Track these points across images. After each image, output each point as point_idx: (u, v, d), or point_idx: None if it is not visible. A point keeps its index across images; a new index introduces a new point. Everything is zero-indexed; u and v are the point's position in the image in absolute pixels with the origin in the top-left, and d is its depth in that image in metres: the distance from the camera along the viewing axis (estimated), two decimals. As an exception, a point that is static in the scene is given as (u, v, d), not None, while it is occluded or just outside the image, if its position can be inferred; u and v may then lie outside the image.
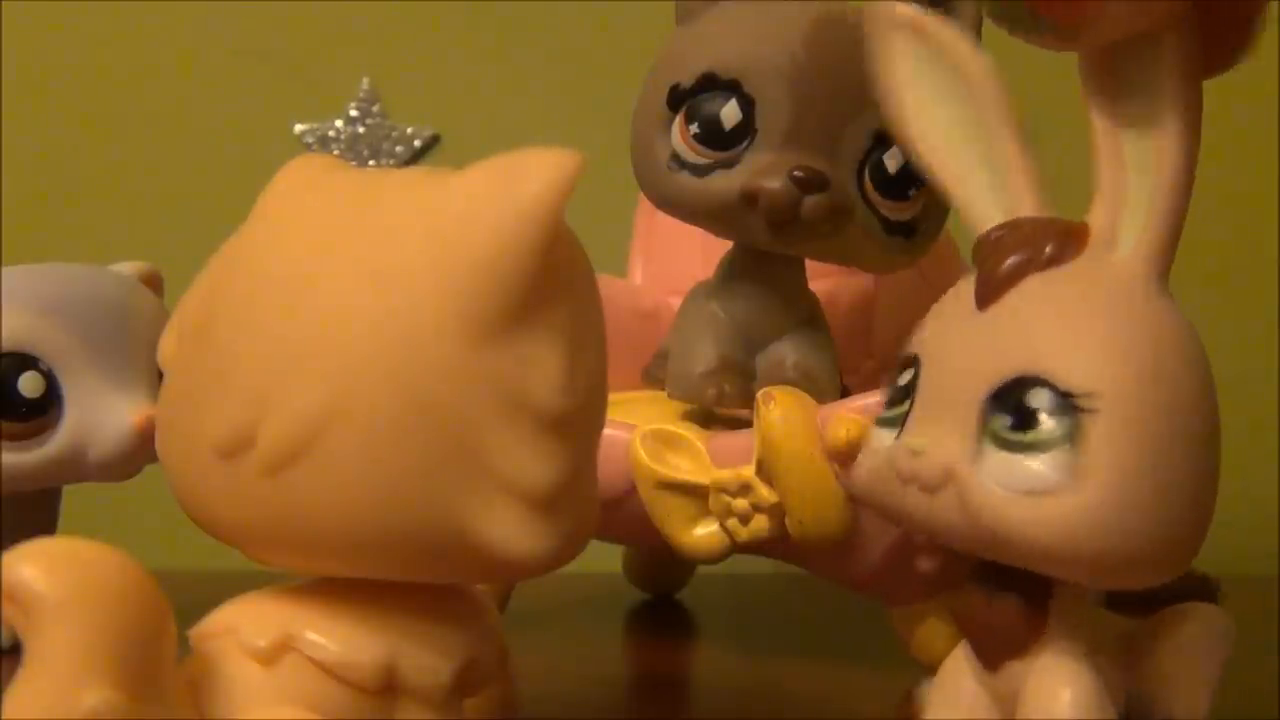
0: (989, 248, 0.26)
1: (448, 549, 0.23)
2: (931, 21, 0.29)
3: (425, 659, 0.24)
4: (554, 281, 0.23)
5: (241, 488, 0.23)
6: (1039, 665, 0.25)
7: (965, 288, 0.26)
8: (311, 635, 0.24)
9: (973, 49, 0.28)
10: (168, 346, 0.25)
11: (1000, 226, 0.26)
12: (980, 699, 0.26)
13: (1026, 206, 0.27)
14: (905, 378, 0.27)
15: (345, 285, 0.22)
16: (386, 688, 0.24)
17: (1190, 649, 0.26)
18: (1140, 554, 0.23)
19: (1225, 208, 0.62)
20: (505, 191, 0.23)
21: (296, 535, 0.23)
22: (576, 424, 0.23)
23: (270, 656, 0.23)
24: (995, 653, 0.26)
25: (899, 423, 0.26)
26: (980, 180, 0.28)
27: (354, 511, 0.22)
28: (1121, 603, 0.27)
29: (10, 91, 0.63)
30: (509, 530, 0.23)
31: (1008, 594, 0.25)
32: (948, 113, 0.28)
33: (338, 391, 0.22)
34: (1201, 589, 0.32)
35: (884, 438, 0.27)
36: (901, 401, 0.27)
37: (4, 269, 0.34)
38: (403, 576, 0.24)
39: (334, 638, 0.24)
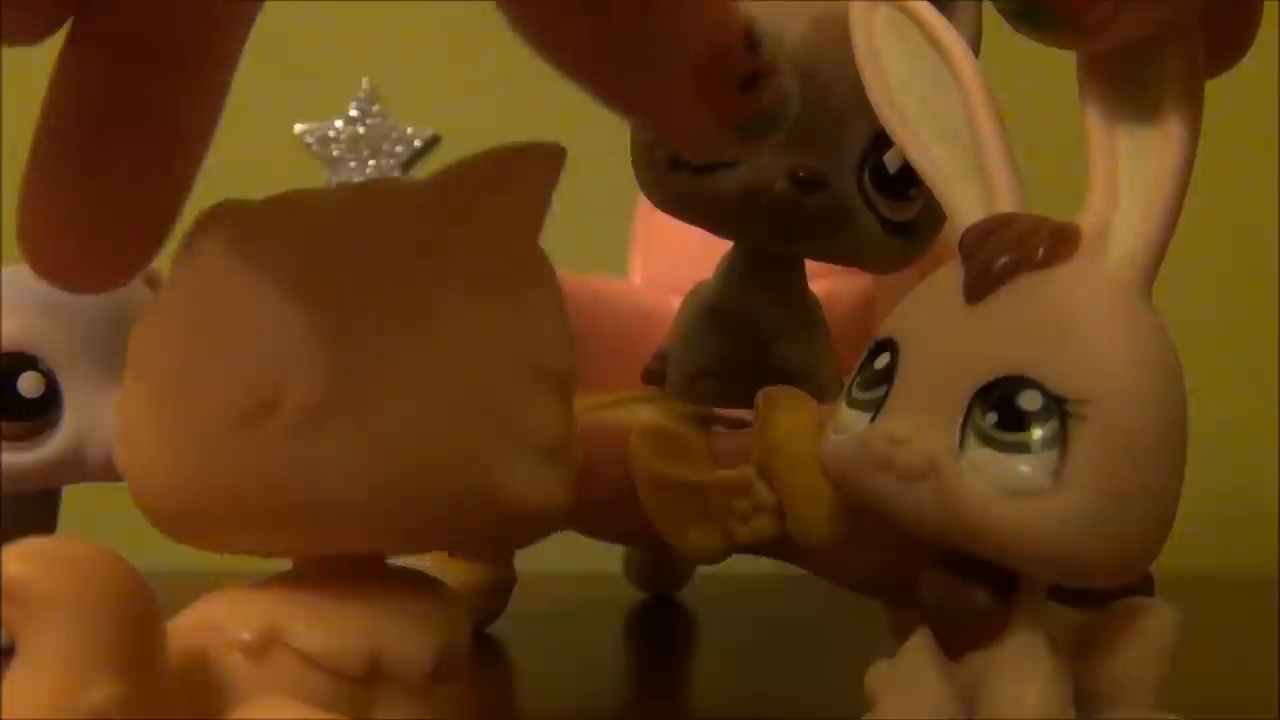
0: (978, 243, 0.26)
1: (475, 507, 0.23)
2: (915, 3, 0.28)
3: (408, 646, 0.24)
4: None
5: (264, 454, 0.22)
6: (1003, 657, 0.25)
7: (948, 277, 0.26)
8: (297, 626, 0.23)
9: (954, 33, 0.28)
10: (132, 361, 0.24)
11: (990, 221, 0.26)
12: (940, 687, 0.26)
13: (1003, 196, 0.27)
14: (882, 361, 0.27)
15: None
16: (370, 675, 0.24)
17: (1148, 641, 0.26)
18: (1115, 556, 0.24)
19: (1225, 208, 0.62)
20: (493, 185, 0.23)
21: (320, 503, 0.23)
22: (571, 382, 0.25)
23: (257, 650, 0.23)
24: (960, 642, 0.25)
25: (874, 407, 0.26)
26: (958, 165, 0.28)
27: (385, 474, 0.22)
28: (1064, 595, 0.27)
29: (10, 91, 0.63)
30: (531, 484, 0.23)
31: (976, 583, 0.25)
32: (927, 95, 0.28)
33: (367, 348, 0.22)
34: (1142, 583, 0.32)
35: (855, 419, 0.27)
36: (877, 385, 0.26)
37: (4, 269, 0.34)
38: (417, 546, 0.25)
39: (320, 628, 0.24)
